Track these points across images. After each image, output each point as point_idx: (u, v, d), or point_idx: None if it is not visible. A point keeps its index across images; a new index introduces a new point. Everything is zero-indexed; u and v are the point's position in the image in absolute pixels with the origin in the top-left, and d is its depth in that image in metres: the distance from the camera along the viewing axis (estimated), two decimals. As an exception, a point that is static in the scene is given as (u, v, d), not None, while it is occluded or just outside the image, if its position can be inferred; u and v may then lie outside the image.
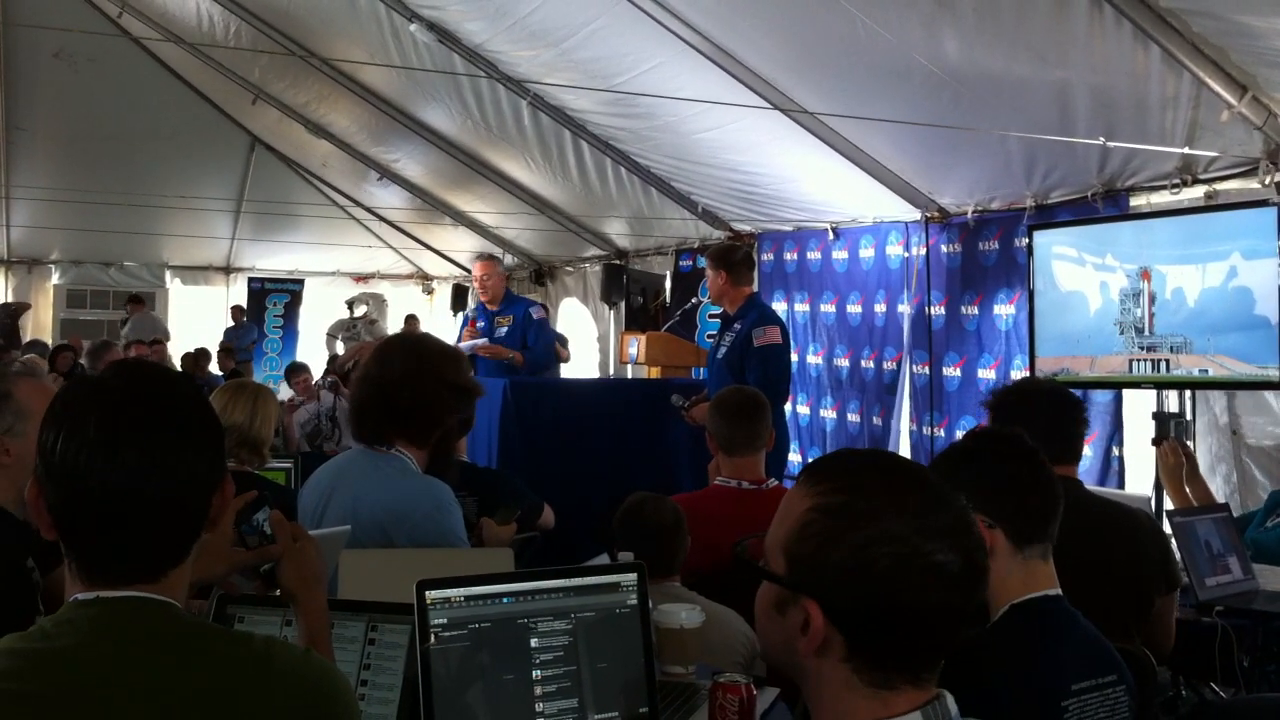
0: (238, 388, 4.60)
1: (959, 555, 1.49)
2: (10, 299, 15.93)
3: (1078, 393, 4.22)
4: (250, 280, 17.54)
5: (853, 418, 8.75)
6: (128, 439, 1.58)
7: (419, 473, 3.19)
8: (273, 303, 17.56)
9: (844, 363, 8.89)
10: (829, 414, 9.03)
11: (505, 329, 7.77)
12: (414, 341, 3.40)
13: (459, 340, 7.76)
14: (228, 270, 17.69)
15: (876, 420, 8.40)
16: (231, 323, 16.68)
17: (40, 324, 16.14)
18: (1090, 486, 3.81)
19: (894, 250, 8.39)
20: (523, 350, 7.65)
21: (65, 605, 1.61)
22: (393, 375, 3.19)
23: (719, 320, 7.33)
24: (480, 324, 7.89)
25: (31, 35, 12.57)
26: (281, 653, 1.66)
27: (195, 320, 16.83)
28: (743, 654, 3.30)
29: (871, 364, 8.57)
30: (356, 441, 3.33)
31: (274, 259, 17.57)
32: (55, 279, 16.68)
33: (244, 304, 17.07)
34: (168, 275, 17.31)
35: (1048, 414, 3.52)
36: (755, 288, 6.64)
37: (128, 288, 16.81)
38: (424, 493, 3.13)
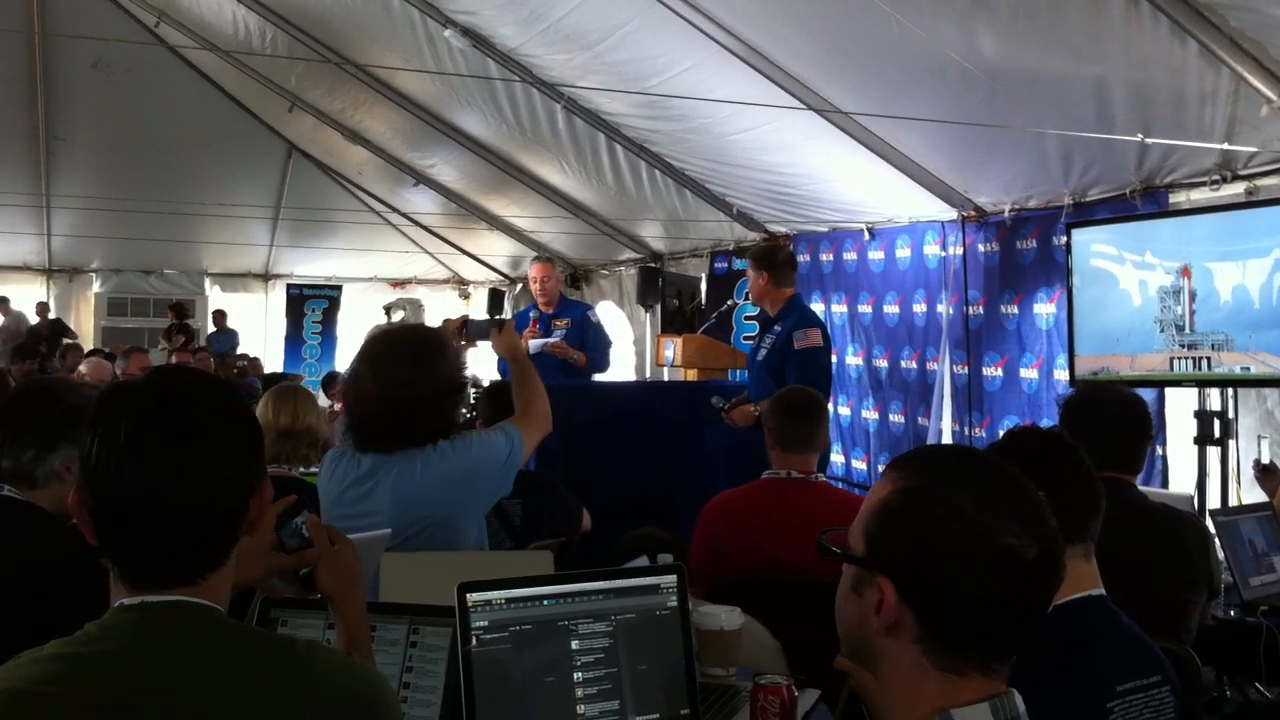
0: (282, 390, 4.65)
1: (1034, 543, 1.52)
2: (52, 308, 16.12)
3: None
4: (289, 287, 17.68)
5: (895, 418, 8.70)
6: (156, 444, 1.60)
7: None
8: (311, 309, 17.67)
9: (883, 363, 8.85)
10: (871, 415, 8.98)
11: (562, 332, 7.80)
12: (402, 348, 3.26)
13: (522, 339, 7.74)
14: (266, 277, 17.85)
15: (922, 421, 8.35)
16: (214, 328, 16.79)
17: (82, 332, 16.29)
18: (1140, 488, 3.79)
19: (931, 250, 8.34)
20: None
21: (110, 610, 1.62)
22: (392, 388, 3.15)
23: (756, 322, 7.32)
24: (540, 326, 7.93)
25: (69, 46, 12.68)
26: (324, 657, 1.67)
27: (235, 326, 16.98)
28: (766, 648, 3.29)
29: (914, 364, 8.52)
30: (362, 450, 3.24)
31: (312, 265, 17.72)
32: (96, 287, 16.90)
33: (225, 309, 17.17)
34: (207, 282, 17.51)
35: (1115, 423, 3.51)
36: (795, 289, 6.62)
37: (168, 295, 17.00)
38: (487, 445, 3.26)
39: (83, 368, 9.28)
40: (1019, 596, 1.52)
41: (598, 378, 7.99)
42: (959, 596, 1.50)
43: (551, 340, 7.65)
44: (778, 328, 6.31)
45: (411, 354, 3.21)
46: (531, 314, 8.17)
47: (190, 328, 16.05)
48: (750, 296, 6.78)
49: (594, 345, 7.74)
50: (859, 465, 9.10)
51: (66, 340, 14.08)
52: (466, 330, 3.65)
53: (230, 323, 16.98)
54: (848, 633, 1.64)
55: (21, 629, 1.81)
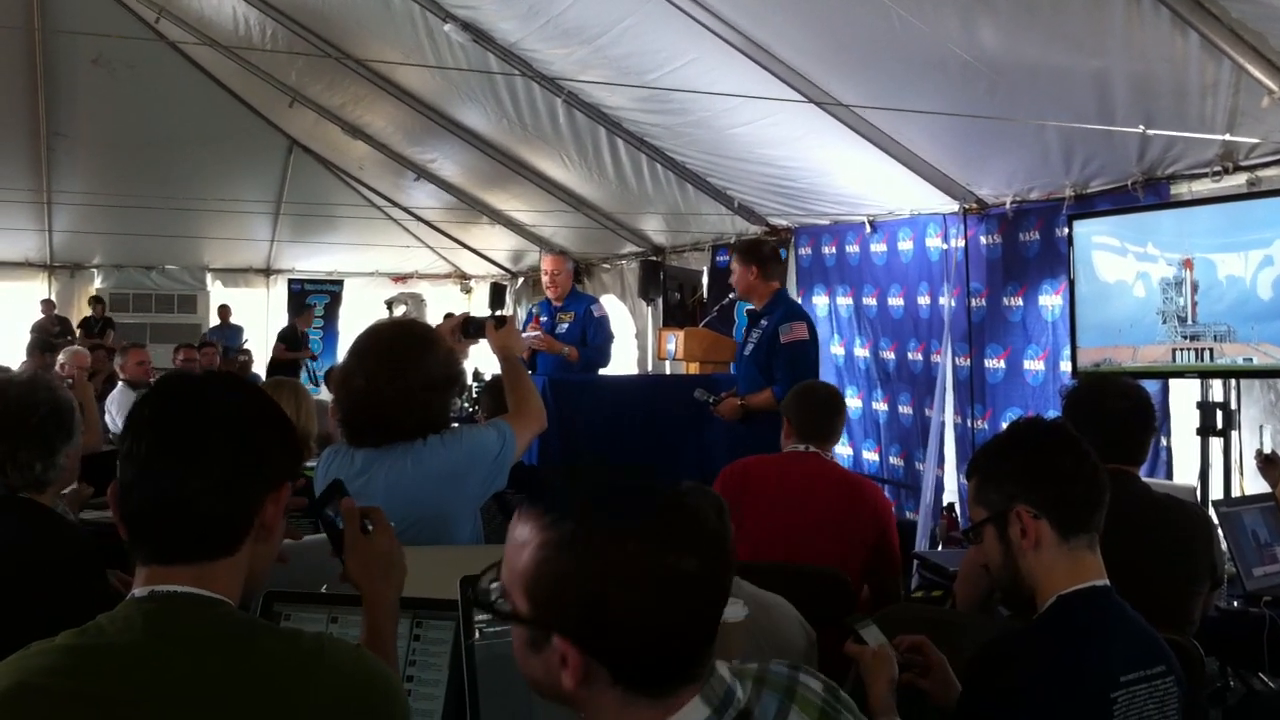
0: (276, 385, 4.67)
1: (698, 557, 1.43)
2: (55, 303, 16.10)
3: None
4: (290, 282, 17.66)
5: (904, 410, 8.69)
6: (173, 447, 1.66)
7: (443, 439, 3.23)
8: (312, 304, 17.66)
9: (890, 355, 8.84)
10: (881, 406, 8.97)
11: (567, 325, 7.85)
12: (389, 343, 3.24)
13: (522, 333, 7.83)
14: (268, 272, 17.82)
15: (928, 412, 8.35)
16: (218, 321, 16.70)
17: (83, 329, 16.29)
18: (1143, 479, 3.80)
19: (933, 243, 8.33)
20: (580, 347, 7.68)
21: (123, 602, 1.65)
22: (380, 384, 3.14)
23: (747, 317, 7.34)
24: (544, 319, 8.00)
25: (70, 42, 12.67)
26: (332, 650, 1.68)
27: (237, 322, 16.94)
28: (800, 645, 3.27)
29: (920, 356, 8.51)
30: (355, 446, 3.23)
31: (313, 260, 17.69)
32: (98, 283, 16.84)
33: (229, 304, 17.05)
34: (208, 278, 17.46)
35: (1119, 416, 3.51)
36: (783, 283, 6.61)
37: (169, 291, 16.99)
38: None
39: (61, 357, 9.25)
40: (702, 610, 1.46)
41: (602, 371, 8.01)
42: (646, 638, 1.42)
43: (534, 335, 7.66)
44: (764, 322, 6.33)
45: (400, 349, 3.20)
46: (534, 309, 8.21)
47: (112, 321, 15.88)
48: (738, 291, 6.79)
49: (591, 340, 7.75)
50: (870, 457, 9.09)
51: (66, 337, 14.08)
52: (466, 327, 3.65)
53: (233, 318, 16.92)
54: (540, 688, 1.53)
55: (21, 627, 1.82)
